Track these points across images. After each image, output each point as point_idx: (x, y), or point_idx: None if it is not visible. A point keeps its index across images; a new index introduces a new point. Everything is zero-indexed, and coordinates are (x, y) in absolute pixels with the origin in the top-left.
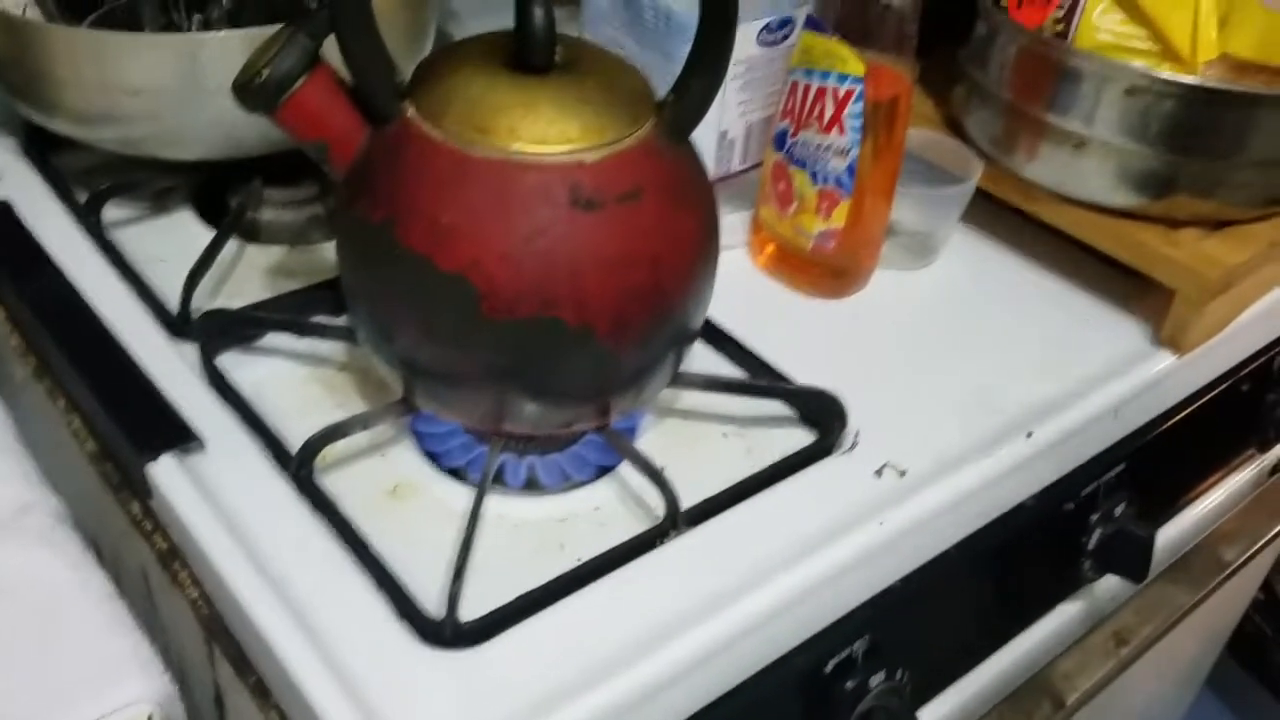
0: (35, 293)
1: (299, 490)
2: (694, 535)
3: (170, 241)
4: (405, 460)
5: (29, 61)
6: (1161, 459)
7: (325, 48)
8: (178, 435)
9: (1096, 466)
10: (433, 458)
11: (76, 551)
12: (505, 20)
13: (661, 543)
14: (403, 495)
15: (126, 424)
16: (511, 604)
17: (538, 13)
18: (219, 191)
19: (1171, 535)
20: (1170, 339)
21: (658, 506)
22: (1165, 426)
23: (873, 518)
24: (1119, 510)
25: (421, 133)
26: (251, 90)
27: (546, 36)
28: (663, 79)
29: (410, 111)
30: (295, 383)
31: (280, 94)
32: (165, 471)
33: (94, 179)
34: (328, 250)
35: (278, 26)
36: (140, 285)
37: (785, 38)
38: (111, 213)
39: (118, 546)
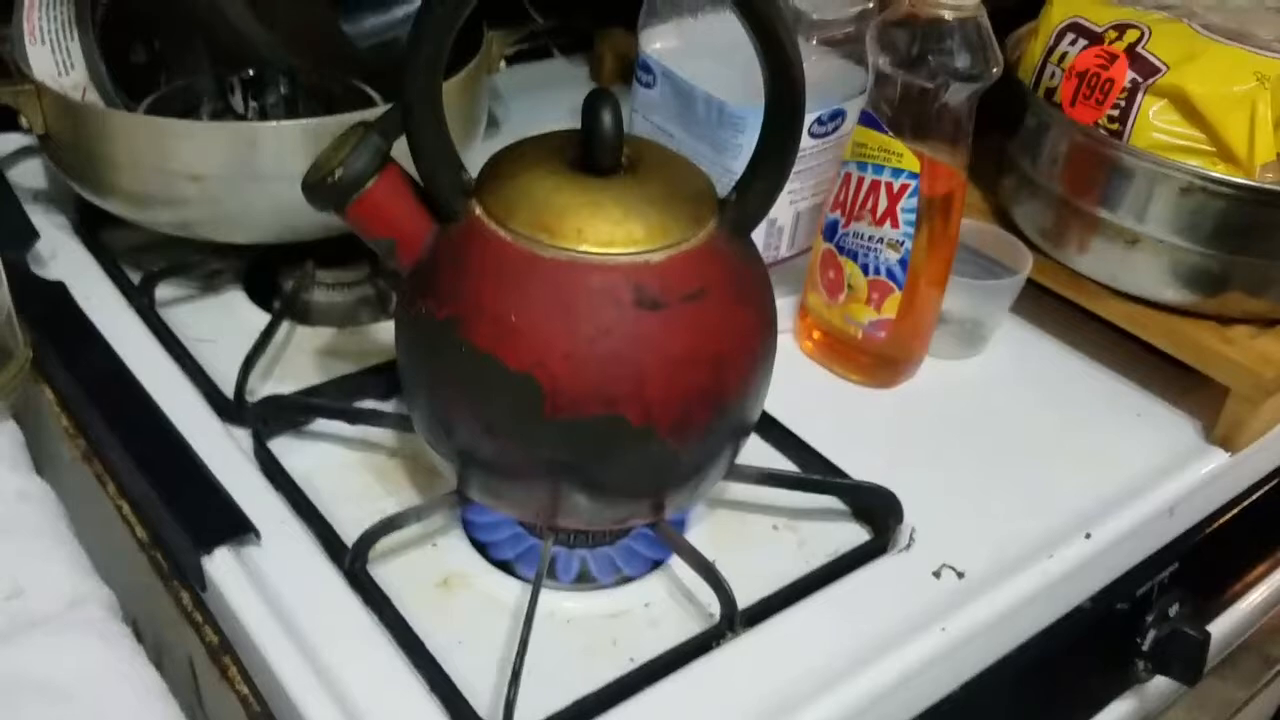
0: (87, 374)
1: (352, 585)
2: (750, 637)
3: (220, 322)
4: (456, 550)
5: (87, 144)
6: (1213, 557)
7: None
8: (234, 527)
9: (1151, 566)
10: (482, 548)
11: (129, 646)
12: (548, 98)
13: (718, 645)
14: (453, 587)
15: (181, 514)
16: (568, 709)
17: (606, 116)
18: (269, 272)
19: (1219, 631)
20: (1224, 437)
21: (710, 604)
22: (1217, 525)
23: (935, 622)
24: (1173, 610)
25: (488, 232)
26: (323, 190)
27: (614, 139)
28: (714, 170)
29: (477, 210)
30: (346, 469)
31: (351, 194)
32: (220, 565)
33: (144, 258)
34: (377, 331)
35: (338, 118)
36: (192, 368)
37: (836, 129)
38: (162, 292)
39: (164, 635)
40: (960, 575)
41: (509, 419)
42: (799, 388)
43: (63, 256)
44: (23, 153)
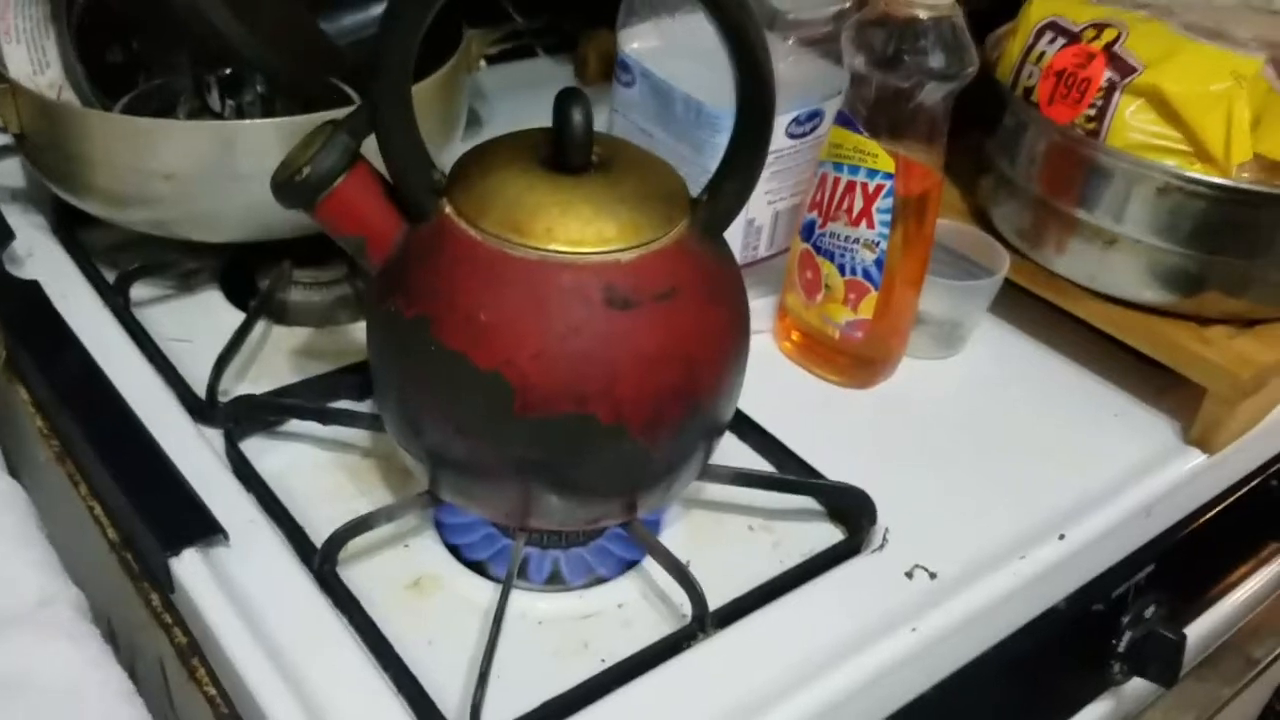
0: (60, 375)
1: (321, 586)
2: (722, 638)
3: (196, 322)
4: (427, 552)
5: (62, 143)
6: (1190, 558)
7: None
8: (202, 529)
9: (1127, 567)
10: (455, 550)
11: (97, 646)
12: (535, 99)
13: (689, 645)
14: (425, 589)
15: (150, 515)
16: (536, 711)
17: (577, 115)
18: (246, 271)
19: (1198, 633)
20: (1201, 438)
21: (683, 604)
22: (1194, 526)
23: (906, 623)
24: (1149, 612)
25: (459, 231)
26: (291, 188)
27: (585, 138)
28: (692, 170)
29: (447, 209)
30: (319, 469)
31: (320, 192)
32: (188, 566)
33: (121, 256)
34: (354, 331)
35: (314, 116)
36: (166, 367)
37: (814, 129)
38: (138, 291)
39: (136, 636)
40: (933, 576)
41: (479, 418)
42: (777, 388)
43: (39, 255)
44: None
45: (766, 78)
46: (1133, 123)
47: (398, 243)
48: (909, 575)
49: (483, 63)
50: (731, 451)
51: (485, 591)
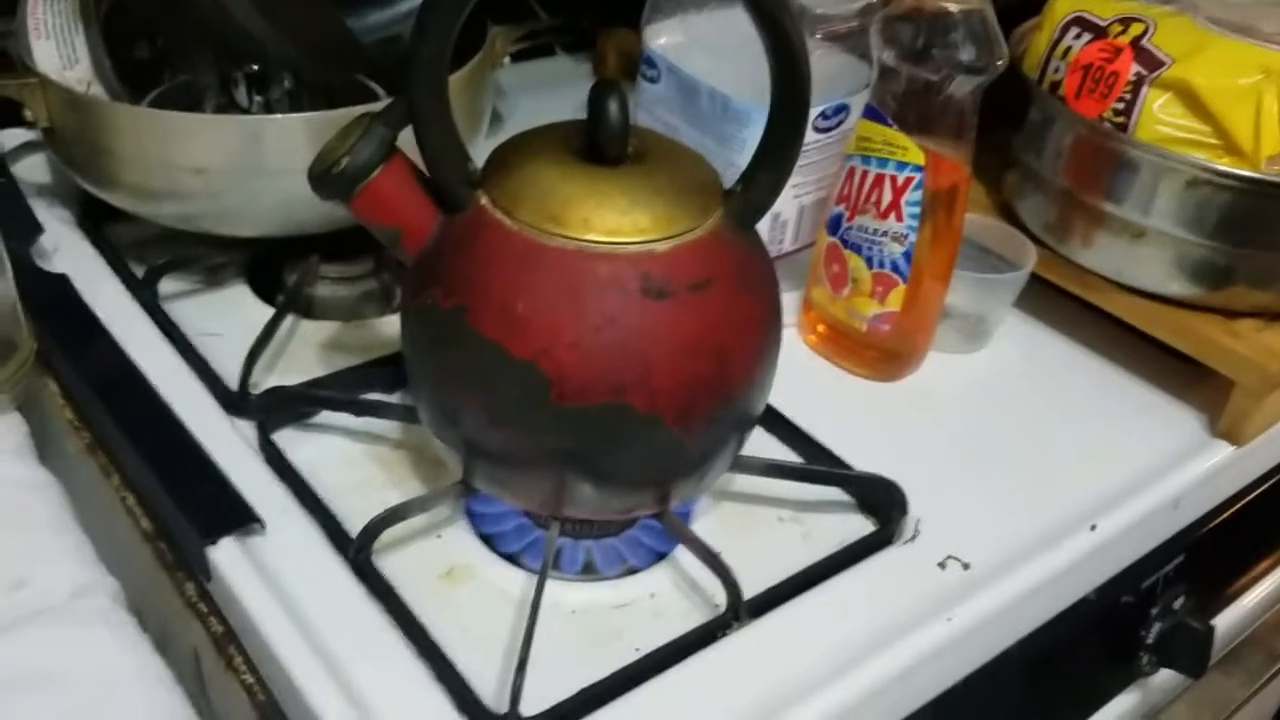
0: (91, 367)
1: (357, 575)
2: (756, 627)
3: (224, 316)
4: (460, 542)
5: (91, 137)
6: (1218, 550)
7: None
8: (239, 517)
9: (1156, 559)
10: (488, 540)
11: (133, 635)
12: (555, 97)
13: (724, 634)
14: (458, 579)
15: (186, 504)
16: (573, 698)
17: (613, 106)
18: (273, 266)
19: (1223, 626)
20: (1229, 431)
21: (715, 594)
22: (1222, 518)
23: (940, 613)
24: (1178, 603)
25: (495, 222)
26: (329, 179)
27: (621, 129)
28: (717, 164)
29: (483, 200)
30: (351, 460)
31: (357, 184)
32: (226, 554)
33: (147, 251)
34: (382, 325)
35: (342, 112)
36: (196, 360)
37: (840, 124)
38: (165, 286)
39: (169, 626)
40: (965, 566)
41: (514, 408)
42: (804, 381)
43: (66, 250)
44: (26, 147)
45: (803, 68)
46: (1161, 116)
47: (433, 234)
48: (942, 566)
49: (507, 59)
50: (761, 444)
51: (517, 581)
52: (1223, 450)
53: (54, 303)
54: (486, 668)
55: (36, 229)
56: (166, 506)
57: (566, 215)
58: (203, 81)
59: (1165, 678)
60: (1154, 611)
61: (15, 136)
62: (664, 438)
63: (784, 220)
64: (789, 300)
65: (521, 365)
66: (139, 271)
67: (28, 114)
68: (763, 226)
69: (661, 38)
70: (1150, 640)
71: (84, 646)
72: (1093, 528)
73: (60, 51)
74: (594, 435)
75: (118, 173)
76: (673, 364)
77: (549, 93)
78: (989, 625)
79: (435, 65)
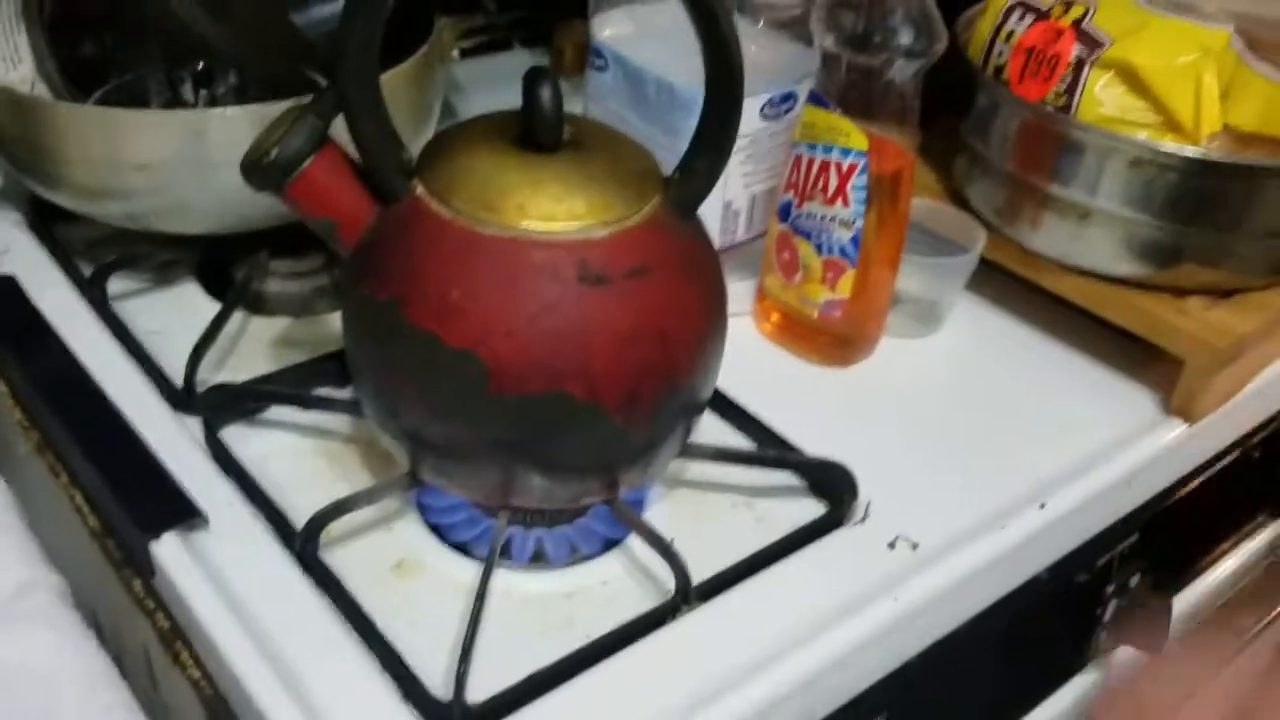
0: (38, 367)
1: (303, 567)
2: (705, 610)
3: (174, 314)
4: (410, 534)
5: (35, 138)
6: (1175, 528)
7: (334, 127)
8: (181, 512)
9: (1110, 537)
10: (438, 531)
11: (78, 633)
12: (511, 92)
13: (672, 619)
14: (408, 570)
15: (129, 501)
16: (520, 684)
17: (545, 93)
18: (223, 263)
19: (1185, 603)
20: (1181, 408)
21: (667, 580)
22: (1178, 495)
23: (888, 593)
24: (1134, 581)
25: (430, 211)
26: (260, 170)
27: (555, 116)
28: (666, 153)
29: (419, 190)
30: (300, 456)
31: (288, 174)
32: (168, 550)
33: (99, 251)
34: (333, 321)
35: (286, 104)
36: (144, 359)
37: (788, 111)
38: (116, 285)
39: (119, 624)
40: (914, 546)
41: (454, 398)
42: (758, 369)
43: (16, 251)
44: None
45: (732, 51)
46: (1102, 97)
47: (370, 225)
48: (891, 546)
49: (456, 53)
50: (714, 431)
51: (469, 572)
52: (1176, 428)
53: (2, 305)
54: (435, 658)
55: None
56: (110, 502)
57: (502, 203)
58: (148, 80)
59: (1128, 655)
60: (1110, 590)
61: None
62: (605, 425)
63: (736, 209)
64: (744, 289)
65: (458, 355)
66: (88, 271)
67: None
68: (715, 216)
69: (608, 29)
70: (1107, 618)
71: (28, 645)
72: (1042, 506)
73: (2, 53)
74: (535, 425)
75: (62, 172)
76: (612, 351)
77: (505, 87)
78: (937, 603)
79: (365, 52)
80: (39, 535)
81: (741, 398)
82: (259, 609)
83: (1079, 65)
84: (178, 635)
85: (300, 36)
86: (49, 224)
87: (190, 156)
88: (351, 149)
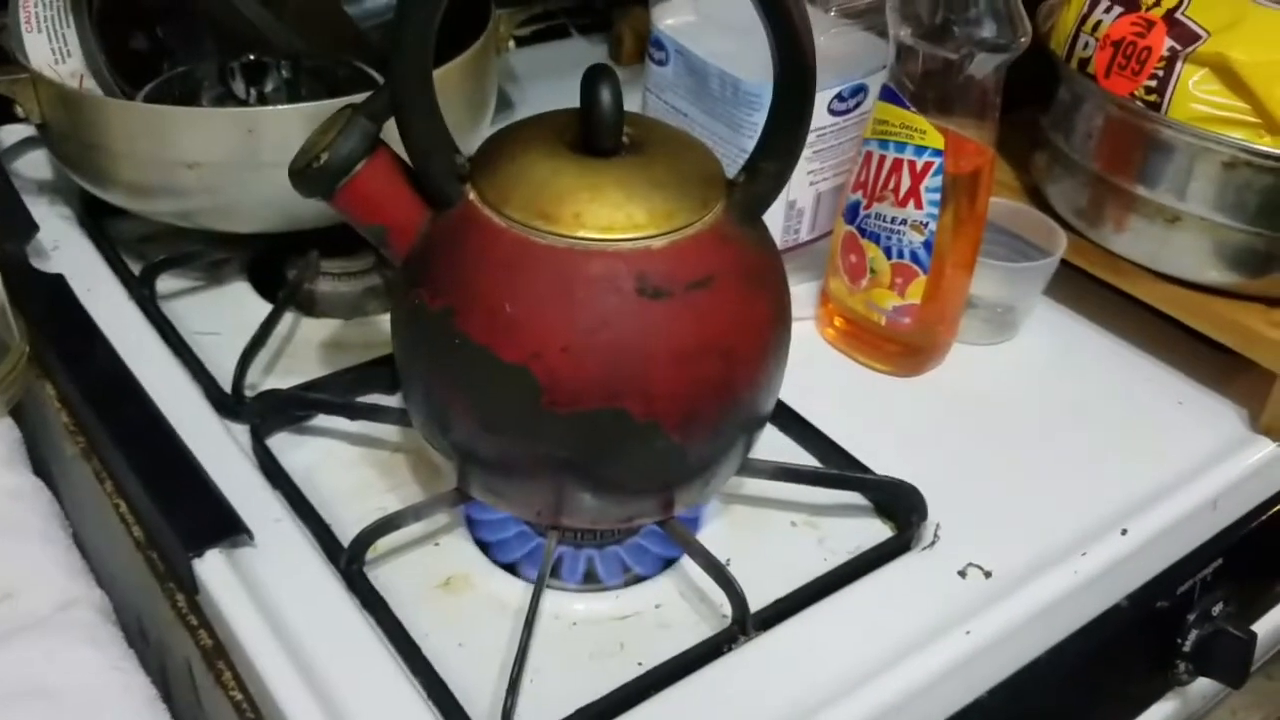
0: (85, 370)
1: (348, 586)
2: (764, 640)
3: (224, 314)
4: (458, 550)
5: (85, 134)
6: (1259, 553)
7: (385, 129)
8: (226, 529)
9: (1193, 562)
10: (486, 548)
11: (119, 650)
12: (569, 82)
13: (730, 649)
14: (455, 589)
15: (173, 514)
16: (570, 718)
17: (605, 94)
18: (274, 262)
19: (1267, 630)
20: (1270, 425)
21: (723, 604)
22: (1263, 518)
23: (959, 625)
24: (1216, 609)
25: (483, 219)
26: (310, 175)
27: (614, 118)
28: (729, 149)
29: (472, 196)
30: (347, 464)
31: (339, 179)
32: (211, 567)
33: (149, 248)
34: (384, 322)
35: (338, 101)
36: (192, 362)
37: (857, 105)
38: (165, 284)
39: (164, 635)
40: (987, 574)
41: (506, 414)
42: (820, 378)
43: (65, 248)
44: (27, 143)
45: (806, 48)
46: (1196, 94)
47: (421, 231)
48: (962, 574)
49: (511, 43)
50: (773, 444)
51: (518, 591)
52: (1264, 447)
53: (50, 303)
54: (481, 684)
55: (32, 227)
56: (153, 516)
57: (557, 211)
58: (199, 73)
59: (1204, 685)
60: (1191, 618)
61: (15, 132)
62: (663, 445)
63: (800, 209)
64: (806, 292)
65: (512, 370)
66: (138, 269)
67: (19, 110)
68: (778, 215)
69: (670, 18)
70: (1187, 648)
71: (68, 661)
72: (1124, 532)
73: (52, 45)
74: (589, 443)
75: (111, 169)
76: (671, 367)
77: (563, 77)
78: (1012, 637)
79: (418, 51)
80: (86, 539)
81: (801, 407)
82: (302, 630)
83: (1171, 59)
84: (220, 654)
85: (353, 27)
86: (99, 221)
87: (241, 155)
88: (401, 149)
